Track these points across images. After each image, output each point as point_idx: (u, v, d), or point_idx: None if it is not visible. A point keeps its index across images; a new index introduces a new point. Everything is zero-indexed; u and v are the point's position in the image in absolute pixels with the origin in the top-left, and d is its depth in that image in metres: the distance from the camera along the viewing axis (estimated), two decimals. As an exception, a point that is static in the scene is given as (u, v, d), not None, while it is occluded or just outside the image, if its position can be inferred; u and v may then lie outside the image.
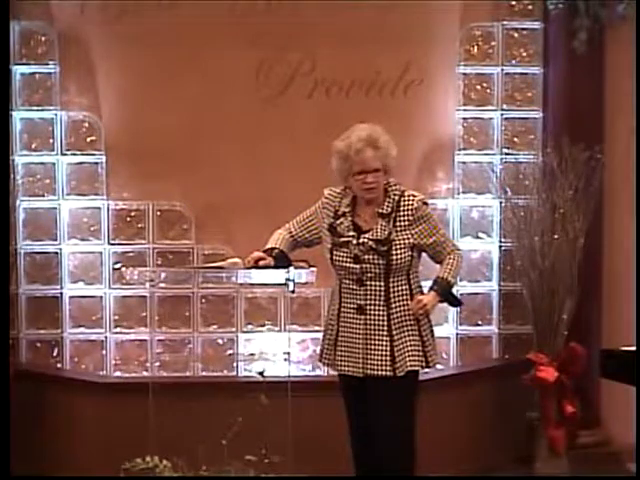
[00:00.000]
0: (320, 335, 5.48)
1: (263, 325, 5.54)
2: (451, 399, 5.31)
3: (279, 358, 5.20)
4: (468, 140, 5.69)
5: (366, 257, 4.03)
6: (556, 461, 5.40)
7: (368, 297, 4.06)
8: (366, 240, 4.03)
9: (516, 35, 5.70)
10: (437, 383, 5.21)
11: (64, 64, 5.50)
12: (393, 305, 4.06)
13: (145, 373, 5.46)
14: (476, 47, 5.68)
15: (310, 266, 4.40)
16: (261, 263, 4.16)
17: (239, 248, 5.18)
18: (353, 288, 4.08)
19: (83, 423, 5.31)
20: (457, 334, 5.69)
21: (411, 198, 4.07)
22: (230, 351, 5.55)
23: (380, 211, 4.07)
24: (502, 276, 5.71)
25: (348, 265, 4.06)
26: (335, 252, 4.09)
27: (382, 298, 4.05)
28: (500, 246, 5.71)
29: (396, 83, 5.47)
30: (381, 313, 4.05)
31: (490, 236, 5.72)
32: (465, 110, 5.68)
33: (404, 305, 4.07)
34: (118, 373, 5.56)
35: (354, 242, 4.05)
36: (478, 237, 5.72)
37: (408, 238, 4.05)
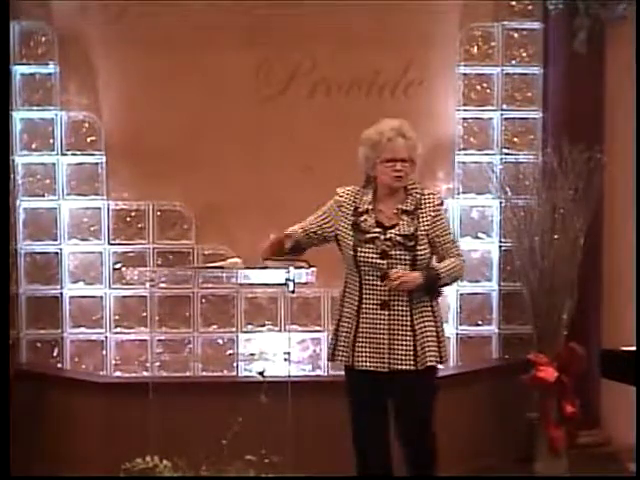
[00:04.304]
0: (320, 335, 5.52)
1: (263, 325, 5.54)
2: (451, 399, 5.30)
3: (279, 358, 5.20)
4: (468, 140, 5.69)
5: (393, 252, 4.07)
6: (556, 461, 5.40)
7: (392, 293, 4.08)
8: (393, 235, 4.08)
9: (516, 35, 5.70)
10: (437, 383, 5.21)
11: (64, 64, 5.51)
12: (415, 300, 4.10)
13: (145, 373, 5.46)
14: (476, 47, 5.68)
15: (310, 266, 4.41)
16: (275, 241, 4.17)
17: (239, 248, 5.18)
18: (377, 284, 4.09)
19: (83, 423, 5.30)
20: (457, 334, 5.69)
21: (431, 196, 4.17)
22: (230, 351, 5.55)
23: (404, 208, 4.13)
24: (502, 276, 5.71)
25: (374, 261, 4.08)
26: (360, 249, 4.11)
27: (405, 293, 4.08)
28: (500, 246, 5.71)
29: (396, 83, 5.48)
30: (404, 308, 4.09)
31: (490, 236, 5.73)
32: (465, 110, 5.68)
33: (423, 301, 4.12)
34: (118, 373, 5.56)
35: (382, 238, 4.09)
36: (478, 237, 5.72)
37: (429, 234, 4.11)
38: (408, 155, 4.10)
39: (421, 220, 4.11)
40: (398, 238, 4.07)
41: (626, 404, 5.11)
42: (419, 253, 4.08)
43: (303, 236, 4.26)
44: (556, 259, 5.37)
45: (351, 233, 4.15)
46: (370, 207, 4.15)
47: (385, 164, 4.09)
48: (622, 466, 5.47)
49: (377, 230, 4.10)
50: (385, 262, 4.07)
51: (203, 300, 5.54)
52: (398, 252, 4.07)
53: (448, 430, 5.19)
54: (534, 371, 5.36)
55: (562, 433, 5.38)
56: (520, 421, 5.45)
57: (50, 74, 5.54)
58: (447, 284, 4.20)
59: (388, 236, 4.08)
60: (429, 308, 4.14)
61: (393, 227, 4.10)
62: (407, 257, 4.07)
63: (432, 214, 4.13)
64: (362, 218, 4.14)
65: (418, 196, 4.14)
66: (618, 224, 5.66)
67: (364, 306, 4.12)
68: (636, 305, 5.29)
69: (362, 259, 4.10)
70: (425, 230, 4.11)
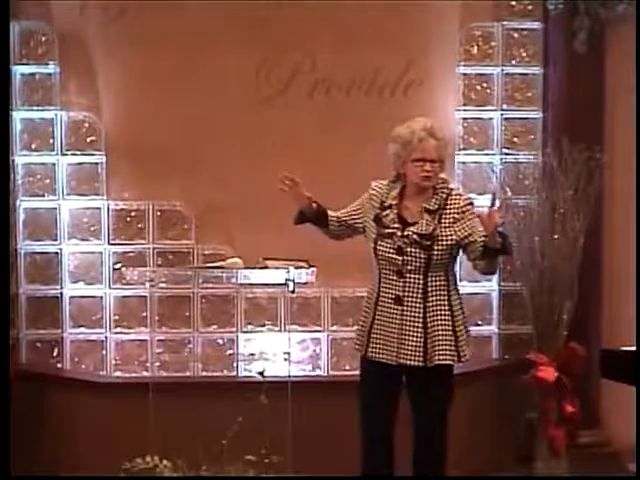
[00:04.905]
0: (320, 335, 5.53)
1: (263, 325, 5.54)
2: (451, 399, 5.31)
3: (279, 358, 5.21)
4: (468, 140, 5.70)
5: (409, 250, 4.10)
6: (556, 461, 5.40)
7: (406, 289, 4.11)
8: (410, 233, 4.11)
9: (516, 35, 5.70)
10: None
11: (64, 64, 5.51)
12: (430, 298, 4.12)
13: (145, 373, 5.46)
14: (476, 47, 5.68)
15: (310, 266, 4.42)
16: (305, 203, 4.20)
17: (239, 248, 5.19)
18: (393, 279, 4.13)
19: (83, 423, 5.30)
20: (457, 334, 5.69)
21: (458, 197, 4.19)
22: (230, 351, 5.55)
23: (427, 207, 4.14)
24: (502, 276, 5.71)
25: (390, 256, 4.12)
26: (379, 243, 4.15)
27: (420, 291, 4.11)
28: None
29: (396, 83, 5.48)
30: (418, 305, 4.11)
31: (490, 236, 5.72)
32: (465, 110, 5.68)
33: (440, 299, 4.14)
34: (118, 373, 5.56)
35: (399, 234, 4.12)
36: (478, 237, 5.71)
37: (451, 235, 4.11)
38: (438, 156, 4.13)
39: (443, 220, 4.12)
40: (415, 236, 4.09)
41: (626, 404, 5.11)
42: (435, 253, 4.09)
43: (335, 222, 4.30)
44: (556, 259, 5.37)
45: (374, 226, 4.19)
46: (394, 202, 4.18)
47: (415, 163, 4.12)
48: (622, 466, 5.47)
49: (396, 226, 4.13)
50: (400, 258, 4.10)
51: (203, 300, 5.54)
52: (414, 250, 4.09)
53: (448, 430, 5.20)
54: (534, 371, 5.36)
55: (562, 433, 5.38)
56: (520, 421, 5.45)
57: (50, 74, 5.54)
58: (504, 253, 4.08)
59: (406, 233, 4.11)
60: (446, 305, 4.15)
61: (414, 224, 4.13)
62: (422, 255, 4.09)
63: (456, 215, 4.12)
64: (385, 213, 4.17)
65: (444, 196, 4.16)
66: (618, 224, 5.66)
67: (380, 299, 4.16)
68: (636, 305, 5.29)
69: (380, 253, 4.14)
70: (446, 231, 4.10)
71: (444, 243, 4.10)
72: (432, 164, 4.11)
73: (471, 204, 4.19)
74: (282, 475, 4.57)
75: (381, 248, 4.14)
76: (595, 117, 5.61)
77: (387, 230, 4.13)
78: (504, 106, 5.71)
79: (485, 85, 5.70)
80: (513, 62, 5.70)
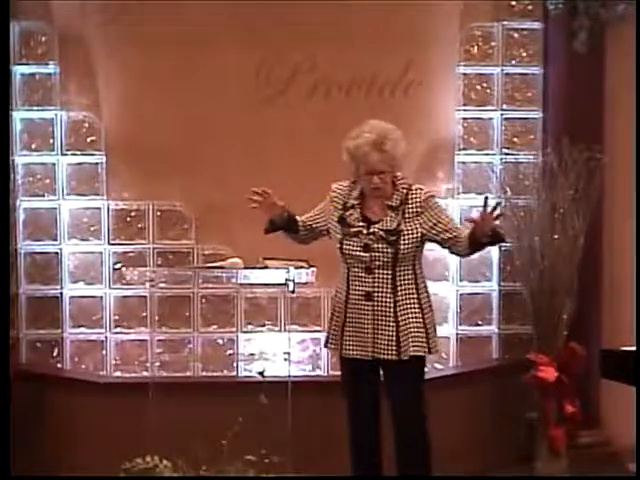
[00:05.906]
0: (320, 335, 5.53)
1: (263, 325, 5.54)
2: (451, 399, 5.31)
3: (279, 358, 5.21)
4: (468, 140, 5.69)
5: (375, 246, 4.18)
6: (556, 461, 5.40)
7: (376, 284, 4.20)
8: (376, 230, 4.19)
9: (516, 35, 5.70)
10: (437, 383, 5.21)
11: (64, 64, 5.50)
12: (399, 292, 4.21)
13: (145, 373, 5.46)
14: (476, 47, 5.68)
15: (310, 266, 4.43)
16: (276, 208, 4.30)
17: (239, 248, 5.19)
18: (362, 276, 4.21)
19: (83, 423, 5.30)
20: (457, 334, 5.69)
21: (419, 191, 4.26)
22: (230, 351, 5.55)
23: (389, 204, 4.22)
24: (502, 276, 5.71)
25: (358, 254, 4.20)
26: (345, 242, 4.23)
27: (389, 285, 4.20)
28: (500, 246, 5.69)
29: (396, 83, 5.48)
30: (388, 300, 4.19)
31: (490, 236, 5.71)
32: (465, 110, 5.68)
33: (409, 292, 4.23)
34: (118, 373, 5.56)
35: (364, 232, 4.20)
36: (478, 237, 5.71)
37: (416, 228, 4.20)
38: (385, 167, 4.17)
39: (405, 216, 4.20)
40: (381, 233, 4.18)
41: (626, 404, 5.11)
42: (401, 247, 4.18)
43: (302, 227, 4.39)
44: (556, 259, 5.37)
45: (339, 227, 4.26)
46: (356, 202, 4.26)
47: (363, 176, 4.21)
48: (622, 466, 5.47)
49: (361, 224, 4.22)
50: (368, 255, 4.18)
51: (203, 300, 5.54)
52: (380, 246, 4.18)
53: (448, 430, 5.21)
54: (534, 371, 5.36)
55: (562, 433, 5.38)
56: (520, 421, 5.45)
57: (50, 74, 5.53)
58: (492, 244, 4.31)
59: (371, 230, 4.19)
60: (415, 299, 4.23)
61: (378, 222, 4.20)
62: (389, 251, 4.17)
63: (418, 209, 4.21)
64: (348, 213, 4.26)
65: (405, 191, 4.24)
66: (618, 224, 5.65)
67: (350, 297, 4.25)
68: (636, 305, 5.29)
69: (347, 252, 4.22)
70: (410, 225, 4.19)
71: (409, 237, 4.18)
72: (380, 176, 4.17)
73: (432, 196, 4.28)
74: (282, 475, 4.57)
75: (348, 247, 4.21)
76: (595, 117, 5.61)
77: (352, 229, 4.22)
78: (504, 106, 5.71)
79: (485, 85, 5.70)
80: (513, 62, 5.70)
